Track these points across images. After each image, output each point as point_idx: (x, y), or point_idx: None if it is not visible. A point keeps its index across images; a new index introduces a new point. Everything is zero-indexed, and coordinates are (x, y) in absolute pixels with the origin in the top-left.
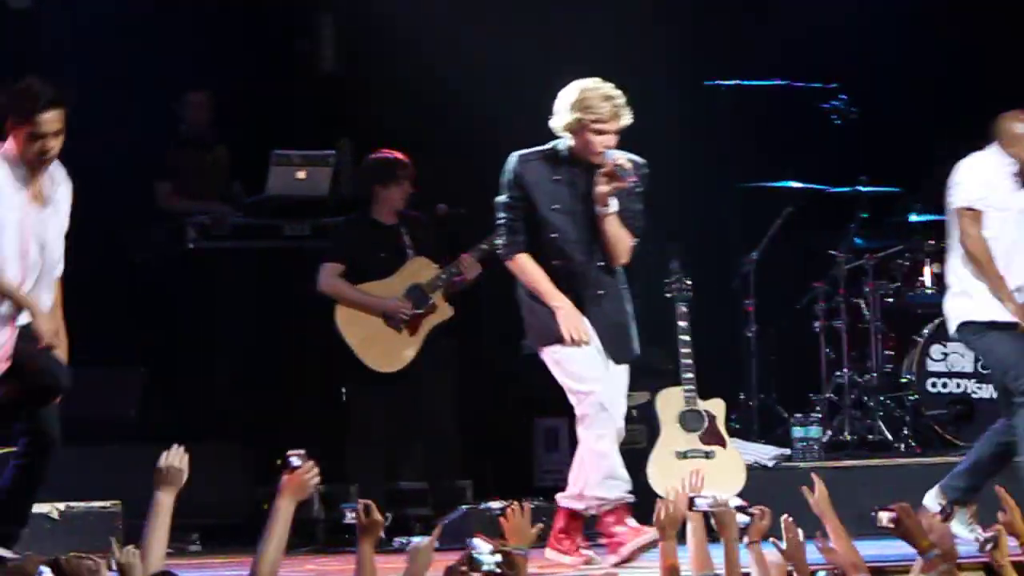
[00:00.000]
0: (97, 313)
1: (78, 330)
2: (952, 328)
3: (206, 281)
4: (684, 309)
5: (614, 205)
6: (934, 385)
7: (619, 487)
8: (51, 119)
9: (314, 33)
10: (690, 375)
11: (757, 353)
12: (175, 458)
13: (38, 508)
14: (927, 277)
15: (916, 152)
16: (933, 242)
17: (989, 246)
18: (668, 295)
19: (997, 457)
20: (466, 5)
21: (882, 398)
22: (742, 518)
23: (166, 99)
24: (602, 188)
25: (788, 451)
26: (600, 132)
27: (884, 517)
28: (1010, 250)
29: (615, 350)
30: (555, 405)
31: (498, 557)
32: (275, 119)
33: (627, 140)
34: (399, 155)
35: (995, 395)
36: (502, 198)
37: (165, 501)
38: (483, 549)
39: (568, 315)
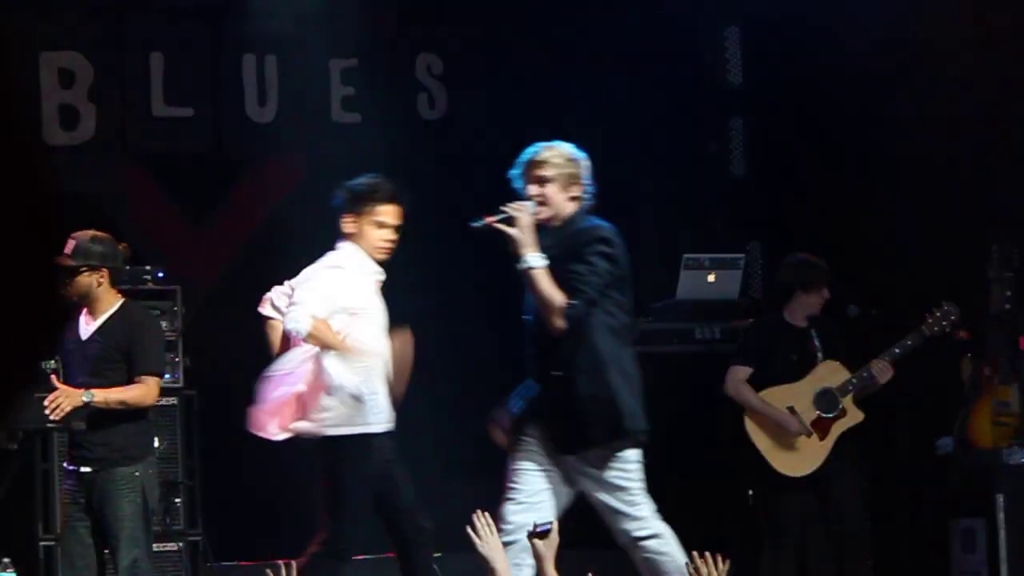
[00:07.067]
0: None
1: None
2: None
3: None
4: None
5: (532, 260)
6: None
7: None
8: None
9: (724, 136)
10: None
11: None
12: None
13: None
14: None
15: None
16: None
17: None
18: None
19: None
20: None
21: None
22: None
23: None
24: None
25: None
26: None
27: None
28: None
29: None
30: (972, 506)
31: None
32: (687, 221)
33: None
34: (821, 260)
35: None
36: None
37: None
38: None
39: None
